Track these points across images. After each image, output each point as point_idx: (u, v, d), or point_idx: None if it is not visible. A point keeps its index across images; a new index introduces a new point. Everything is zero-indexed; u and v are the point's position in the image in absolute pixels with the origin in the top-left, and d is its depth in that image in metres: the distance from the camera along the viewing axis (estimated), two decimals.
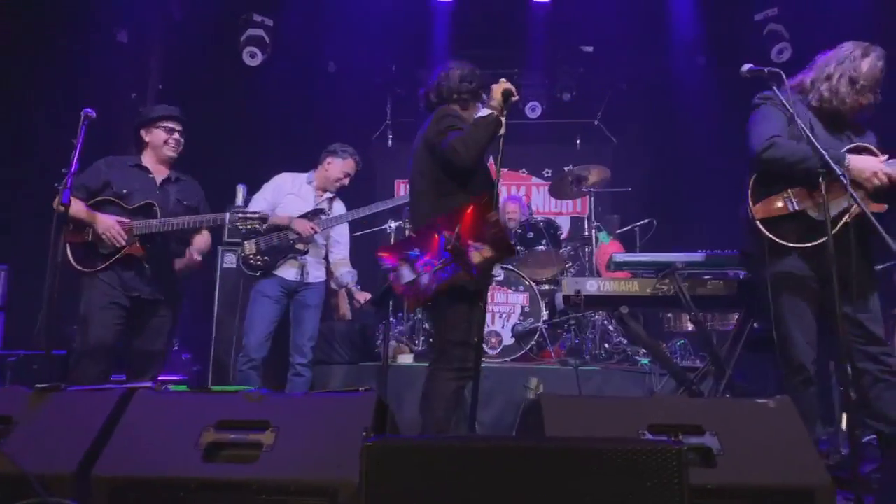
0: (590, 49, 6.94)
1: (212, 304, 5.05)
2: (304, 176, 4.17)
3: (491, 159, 2.86)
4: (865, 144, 2.71)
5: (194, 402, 1.80)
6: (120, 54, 5.71)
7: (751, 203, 2.74)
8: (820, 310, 2.68)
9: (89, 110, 2.98)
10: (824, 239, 2.46)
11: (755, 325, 3.24)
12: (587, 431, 1.65)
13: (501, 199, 6.71)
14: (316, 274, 4.09)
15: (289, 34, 6.33)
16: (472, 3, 6.27)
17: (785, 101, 2.54)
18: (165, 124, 3.44)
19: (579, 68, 7.09)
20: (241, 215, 3.39)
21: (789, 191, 2.67)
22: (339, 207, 4.25)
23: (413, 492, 1.18)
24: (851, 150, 2.66)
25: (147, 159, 3.47)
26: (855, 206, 2.46)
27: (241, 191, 5.29)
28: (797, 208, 2.65)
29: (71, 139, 2.90)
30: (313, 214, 4.02)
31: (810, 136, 2.44)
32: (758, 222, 2.69)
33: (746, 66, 2.69)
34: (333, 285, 4.41)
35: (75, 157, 2.79)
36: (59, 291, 2.60)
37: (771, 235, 2.67)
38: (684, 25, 6.20)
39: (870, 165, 2.59)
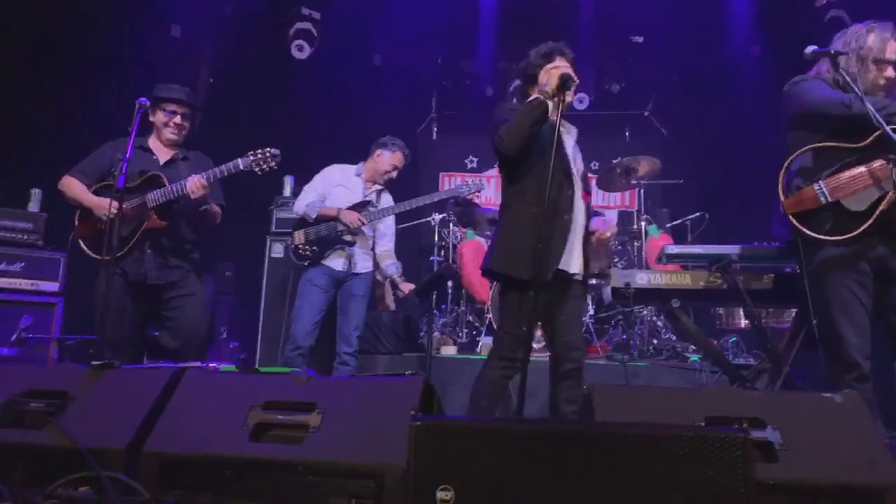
0: (640, 39, 6.78)
1: (259, 293, 5.13)
2: (352, 168, 4.19)
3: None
4: None
5: (242, 382, 1.81)
6: (173, 48, 5.85)
7: (782, 196, 2.65)
8: (875, 303, 2.56)
9: (143, 99, 3.02)
10: (859, 231, 2.43)
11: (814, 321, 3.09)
12: (639, 421, 1.59)
13: None
14: (363, 264, 4.10)
15: (335, 27, 6.38)
16: None
17: (853, 84, 2.43)
18: (167, 107, 3.34)
19: (628, 59, 6.95)
20: (252, 158, 3.28)
21: (821, 182, 2.56)
22: (386, 199, 4.25)
23: (460, 471, 1.15)
24: None
25: (152, 140, 3.41)
26: (891, 192, 2.34)
27: (288, 182, 5.36)
28: (830, 200, 2.53)
29: (126, 128, 2.95)
30: (361, 206, 4.03)
31: (877, 116, 2.32)
32: (790, 216, 2.59)
33: (810, 49, 2.59)
34: (378, 276, 4.43)
35: (130, 145, 2.84)
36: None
37: (803, 229, 2.57)
38: (739, 13, 6.00)
39: None
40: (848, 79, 2.46)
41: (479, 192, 4.47)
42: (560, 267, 2.66)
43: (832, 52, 2.55)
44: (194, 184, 3.15)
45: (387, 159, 4.12)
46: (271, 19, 6.26)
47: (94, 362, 1.87)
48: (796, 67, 2.66)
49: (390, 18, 6.28)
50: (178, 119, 3.36)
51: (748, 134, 6.25)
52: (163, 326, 3.31)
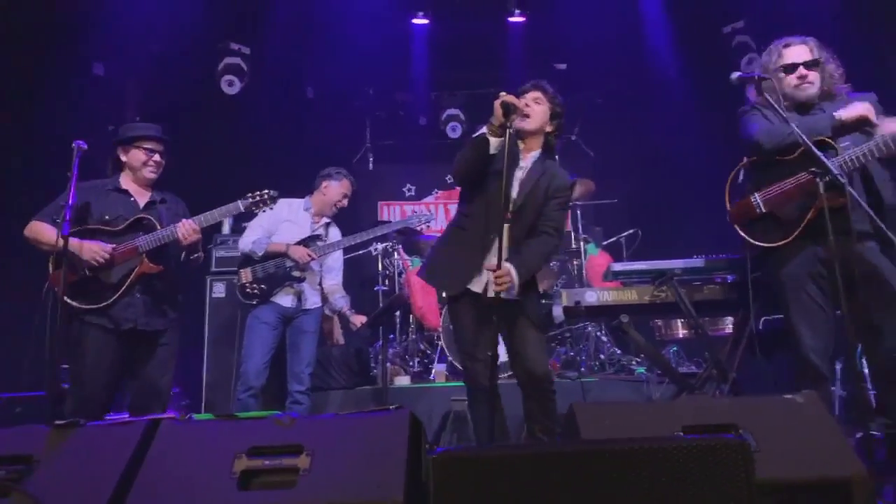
0: (563, 66, 7.07)
1: (200, 336, 4.95)
2: (300, 202, 4.15)
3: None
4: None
5: (222, 429, 1.75)
6: (97, 86, 5.64)
7: (728, 206, 2.91)
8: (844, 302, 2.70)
9: (81, 142, 2.91)
10: (791, 237, 2.66)
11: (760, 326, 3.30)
12: (622, 435, 1.65)
13: None
14: (313, 300, 4.05)
15: (266, 61, 6.33)
16: (449, 25, 6.35)
17: (776, 104, 2.64)
18: (145, 145, 3.23)
19: (554, 85, 7.20)
20: (251, 199, 3.31)
21: (757, 195, 2.80)
22: (335, 233, 4.23)
23: (479, 500, 1.17)
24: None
25: (126, 181, 3.26)
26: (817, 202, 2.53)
27: (226, 221, 5.24)
28: (764, 210, 2.76)
29: (52, 171, 2.83)
30: (310, 241, 4.00)
31: (802, 136, 2.52)
32: (735, 225, 2.86)
33: (735, 75, 2.79)
34: (327, 311, 4.38)
35: (72, 190, 2.72)
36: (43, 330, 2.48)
37: (745, 235, 2.84)
38: (656, 40, 6.36)
39: (859, 106, 2.64)
40: (771, 100, 2.66)
41: (428, 223, 4.52)
42: (471, 287, 2.77)
43: (756, 76, 2.76)
44: (186, 229, 3.06)
45: (336, 189, 4.11)
46: (200, 55, 6.14)
47: (57, 422, 1.77)
48: (712, 89, 2.89)
49: (322, 51, 6.30)
50: (157, 157, 3.25)
51: (672, 152, 6.61)
52: (132, 378, 3.15)
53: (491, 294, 2.63)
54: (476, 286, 2.78)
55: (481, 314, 2.78)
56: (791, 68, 2.82)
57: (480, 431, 2.86)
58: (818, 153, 2.44)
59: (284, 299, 3.94)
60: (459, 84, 7.09)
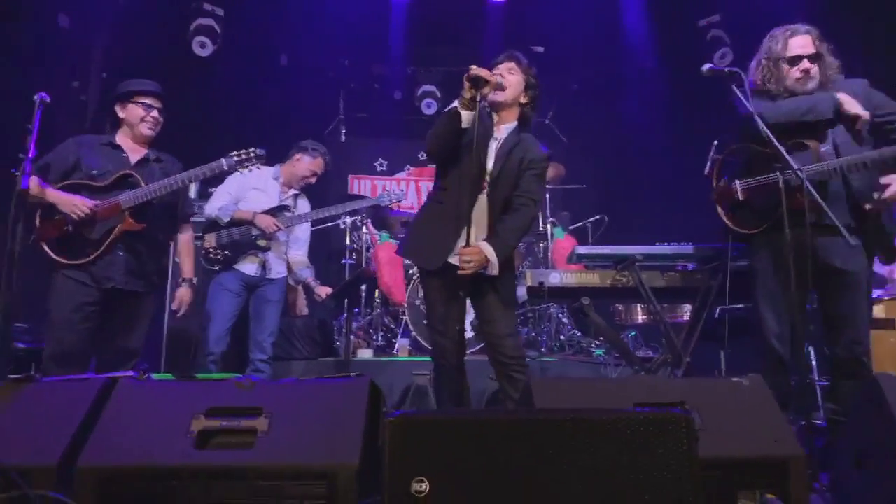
0: (540, 49, 7.07)
1: (163, 300, 4.89)
2: (270, 170, 4.09)
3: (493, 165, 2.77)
4: None
5: (182, 390, 1.76)
6: (61, 40, 5.44)
7: (714, 183, 2.98)
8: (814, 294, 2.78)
9: (44, 95, 2.82)
10: (759, 229, 2.72)
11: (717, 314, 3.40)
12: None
13: None
14: (277, 269, 4.02)
15: (240, 25, 6.19)
16: (429, 1, 6.29)
17: (744, 100, 2.68)
18: (143, 100, 3.18)
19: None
20: (237, 158, 3.24)
21: (737, 181, 2.88)
22: (303, 205, 4.19)
23: (434, 463, 1.20)
24: None
25: (121, 138, 3.21)
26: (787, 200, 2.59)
27: (193, 185, 5.14)
28: (741, 198, 2.83)
29: (9, 125, 2.75)
30: (278, 211, 3.96)
31: (770, 135, 2.56)
32: (717, 205, 2.92)
33: (707, 66, 2.82)
34: (291, 281, 4.36)
35: (32, 143, 2.63)
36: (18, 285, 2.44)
37: (724, 217, 2.89)
38: (633, 30, 6.41)
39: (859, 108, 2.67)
40: (739, 94, 2.70)
41: (399, 201, 4.51)
42: (450, 260, 2.74)
43: (726, 70, 2.80)
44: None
45: (306, 164, 4.06)
46: (172, 13, 5.97)
47: (11, 376, 1.75)
48: (686, 80, 2.91)
49: (298, 18, 6.18)
50: (154, 113, 3.21)
51: (644, 141, 6.70)
52: (102, 337, 3.11)
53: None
54: (455, 259, 2.74)
55: (453, 289, 2.75)
56: (795, 60, 2.80)
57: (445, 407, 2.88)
58: (781, 148, 2.49)
59: (248, 267, 3.91)
60: (437, 61, 7.04)
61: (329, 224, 6.09)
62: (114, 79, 5.87)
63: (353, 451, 1.54)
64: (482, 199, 2.76)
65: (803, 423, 2.71)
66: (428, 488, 1.17)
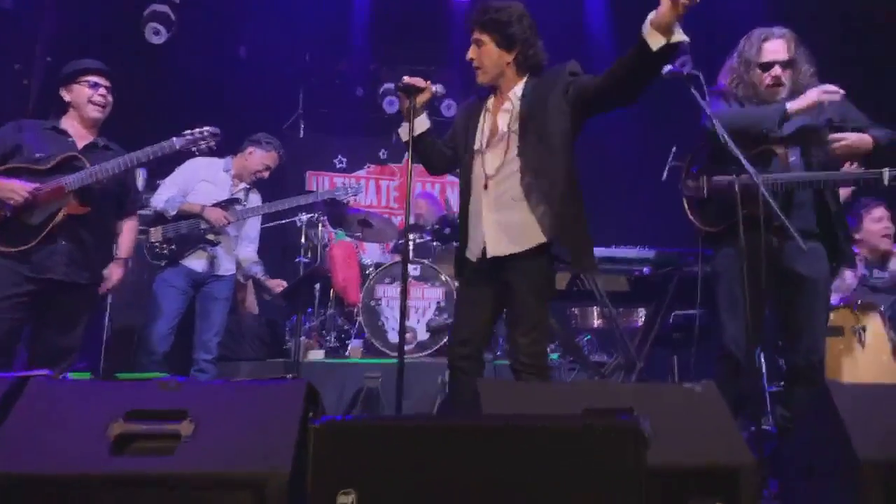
0: None
1: (103, 295, 4.67)
2: (220, 162, 3.94)
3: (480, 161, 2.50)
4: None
5: (100, 391, 1.63)
6: (4, 21, 5.17)
7: (682, 175, 2.89)
8: (772, 299, 2.73)
9: None
10: (719, 228, 2.66)
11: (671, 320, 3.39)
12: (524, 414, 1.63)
13: (414, 194, 6.69)
14: (226, 266, 3.88)
15: (198, 13, 5.98)
16: None
17: (702, 103, 2.65)
18: (89, 78, 2.98)
19: None
20: (189, 137, 3.08)
21: (704, 177, 2.82)
22: (255, 199, 4.05)
23: (361, 473, 1.11)
24: None
25: (68, 122, 3.01)
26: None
27: (140, 174, 4.92)
28: (705, 196, 2.79)
29: None
30: (228, 204, 3.81)
31: (728, 139, 2.53)
32: (684, 199, 2.85)
33: (666, 68, 2.78)
34: (240, 277, 4.21)
35: None
36: None
37: (689, 212, 2.83)
38: (597, 33, 6.43)
39: (812, 93, 2.61)
40: (698, 97, 2.66)
41: (356, 196, 4.40)
42: (476, 257, 2.47)
43: (685, 73, 2.77)
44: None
45: (258, 158, 3.93)
46: None
47: None
48: (647, 89, 2.84)
49: (259, 9, 6.02)
50: (102, 91, 3.00)
51: (603, 145, 6.72)
52: (37, 331, 2.93)
53: (487, 254, 2.37)
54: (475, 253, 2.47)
55: (488, 286, 2.47)
56: (767, 66, 2.74)
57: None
58: (738, 153, 2.46)
59: (196, 263, 3.76)
60: (399, 59, 6.94)
61: (284, 221, 5.94)
62: (59, 63, 5.61)
63: (284, 459, 1.44)
64: (487, 194, 2.44)
65: (753, 428, 2.70)
66: (355, 501, 1.08)
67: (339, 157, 7.46)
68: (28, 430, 1.50)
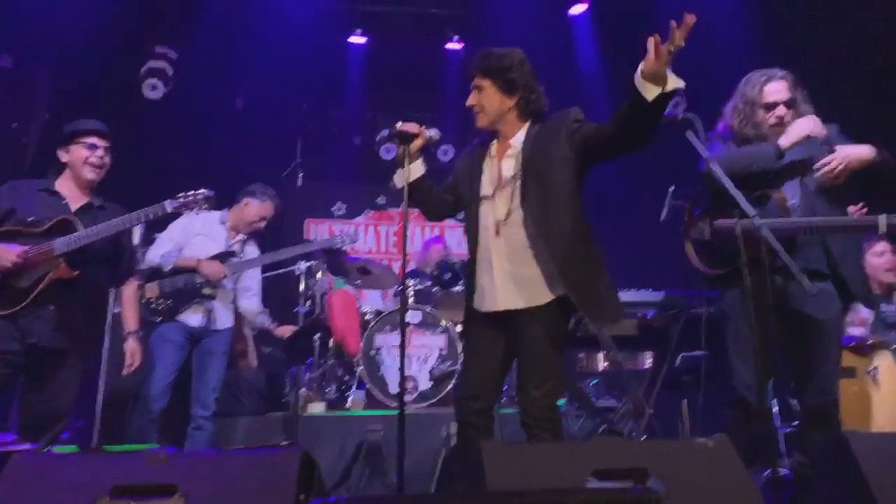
0: None
1: (99, 352, 4.59)
2: (216, 215, 3.91)
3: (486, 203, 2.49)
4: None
5: (85, 465, 1.55)
6: (2, 79, 5.24)
7: (686, 217, 2.85)
8: (782, 341, 2.66)
9: None
10: (725, 270, 2.59)
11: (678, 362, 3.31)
12: (531, 479, 1.55)
13: (424, 240, 6.68)
14: (223, 320, 3.81)
15: (194, 67, 6.07)
16: (387, 47, 6.30)
17: (699, 147, 2.64)
18: (87, 139, 2.97)
19: None
20: (182, 199, 3.04)
21: (707, 220, 2.76)
22: (251, 251, 4.01)
23: None
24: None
25: (62, 184, 3.00)
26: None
27: (138, 229, 4.91)
28: (708, 238, 2.75)
29: None
30: (224, 256, 3.77)
31: (723, 177, 2.51)
32: (686, 243, 2.81)
33: None
34: (247, 331, 4.15)
35: None
36: None
37: (694, 258, 2.78)
38: (589, 76, 6.50)
39: (800, 124, 2.62)
40: (693, 141, 2.65)
41: (353, 244, 4.37)
42: (484, 309, 2.42)
43: (679, 117, 2.76)
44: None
45: (254, 209, 3.91)
46: (120, 54, 5.83)
47: None
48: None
49: (255, 61, 6.11)
50: (100, 152, 2.99)
51: (599, 187, 6.70)
52: (28, 395, 2.86)
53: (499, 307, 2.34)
54: (494, 305, 2.40)
55: (488, 337, 2.44)
56: (771, 107, 2.76)
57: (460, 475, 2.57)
58: (736, 194, 2.44)
59: (192, 318, 3.70)
60: (396, 107, 7.02)
61: (283, 270, 5.90)
62: (57, 120, 5.67)
63: None
64: (496, 229, 2.42)
65: (768, 473, 2.61)
66: None
67: (338, 203, 7.48)
68: None
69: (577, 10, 6.00)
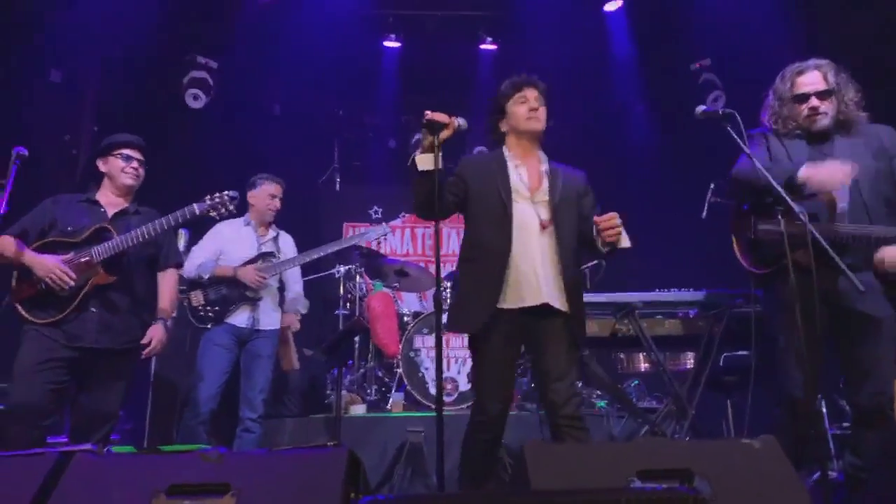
0: None
1: (147, 358, 4.73)
2: (239, 220, 3.97)
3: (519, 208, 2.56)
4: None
5: (142, 465, 1.61)
6: (53, 94, 5.45)
7: (733, 237, 2.80)
8: (833, 340, 2.60)
9: (21, 149, 2.77)
10: (770, 269, 2.56)
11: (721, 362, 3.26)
12: (574, 480, 1.55)
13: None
14: (267, 321, 3.87)
15: (233, 76, 6.22)
16: (420, 49, 6.34)
17: (740, 141, 2.59)
18: (122, 151, 3.15)
19: None
20: (209, 202, 3.14)
21: (754, 217, 2.68)
22: (286, 242, 4.06)
23: None
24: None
25: (102, 193, 3.17)
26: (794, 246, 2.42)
27: (183, 235, 5.06)
28: (753, 237, 2.68)
29: None
30: (262, 258, 3.85)
31: (771, 180, 2.46)
32: (734, 240, 2.76)
33: (700, 108, 2.75)
34: (289, 333, 4.21)
35: (4, 198, 2.56)
36: None
37: (739, 255, 2.73)
38: (625, 75, 6.43)
39: (827, 172, 2.49)
40: (739, 141, 2.60)
41: (384, 236, 4.39)
42: (511, 306, 2.45)
43: (721, 112, 2.72)
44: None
45: (259, 195, 3.95)
46: (164, 66, 6.01)
47: None
48: (676, 123, 2.81)
49: (291, 68, 6.21)
50: (135, 163, 3.17)
51: (639, 186, 6.65)
52: (77, 398, 2.96)
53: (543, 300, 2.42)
54: (511, 303, 2.45)
55: (514, 343, 2.50)
56: (802, 98, 2.70)
57: (477, 479, 2.51)
58: (787, 198, 2.38)
59: (239, 318, 3.76)
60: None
61: (323, 273, 6.00)
62: (105, 132, 5.85)
63: None
64: (521, 232, 2.52)
65: (817, 475, 2.54)
66: None
67: (375, 207, 7.56)
68: None
69: (612, 6, 5.93)
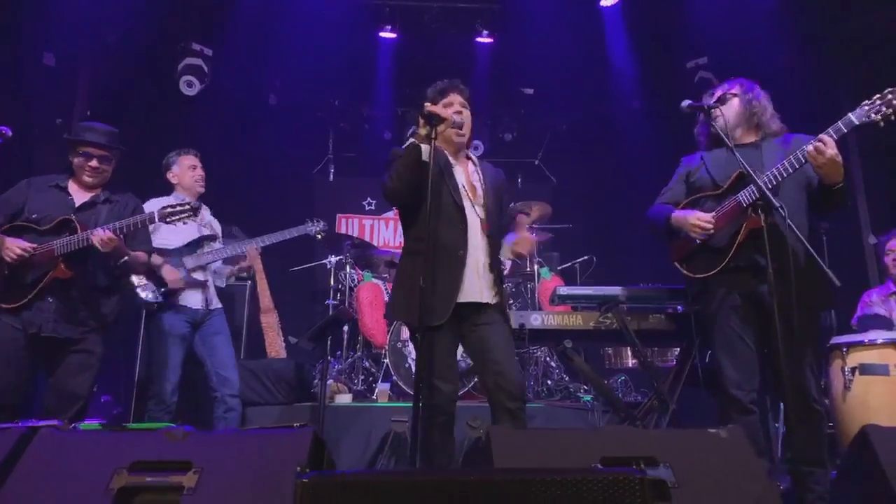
0: (530, 91, 7.10)
1: (135, 341, 4.71)
2: (168, 200, 3.77)
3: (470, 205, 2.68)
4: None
5: (107, 441, 1.61)
6: (46, 77, 5.42)
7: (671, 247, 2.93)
8: (764, 338, 2.66)
9: (5, 128, 2.76)
10: (722, 265, 2.67)
11: (696, 360, 3.26)
12: (538, 465, 1.56)
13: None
14: (216, 300, 3.85)
15: (229, 65, 6.19)
16: (417, 41, 6.32)
17: (724, 135, 2.62)
18: (81, 150, 3.12)
19: (521, 109, 7.24)
20: (169, 210, 3.06)
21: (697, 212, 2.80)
22: (214, 220, 4.04)
23: None
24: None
25: (73, 180, 3.17)
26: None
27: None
28: (699, 240, 2.73)
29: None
30: (201, 242, 3.79)
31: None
32: (676, 263, 2.89)
33: (686, 103, 2.76)
34: (273, 320, 4.17)
35: None
36: None
37: (685, 271, 2.85)
38: (621, 71, 6.41)
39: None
40: (721, 134, 2.63)
41: (323, 232, 4.32)
42: (460, 300, 2.55)
43: (706, 106, 2.74)
44: (100, 238, 2.88)
45: (180, 170, 3.90)
46: (159, 52, 5.99)
47: None
48: (671, 121, 2.84)
49: (287, 59, 6.19)
50: (93, 163, 3.12)
51: (630, 181, 6.64)
52: (46, 382, 3.01)
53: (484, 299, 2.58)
54: (468, 297, 2.57)
55: (455, 332, 2.62)
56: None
57: (440, 459, 2.53)
58: (766, 190, 2.42)
59: (192, 300, 3.69)
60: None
61: (314, 263, 6.00)
62: (98, 117, 5.82)
63: None
64: (472, 233, 2.62)
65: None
66: None
67: (369, 199, 7.56)
68: (32, 483, 1.49)
69: (609, 1, 5.91)
